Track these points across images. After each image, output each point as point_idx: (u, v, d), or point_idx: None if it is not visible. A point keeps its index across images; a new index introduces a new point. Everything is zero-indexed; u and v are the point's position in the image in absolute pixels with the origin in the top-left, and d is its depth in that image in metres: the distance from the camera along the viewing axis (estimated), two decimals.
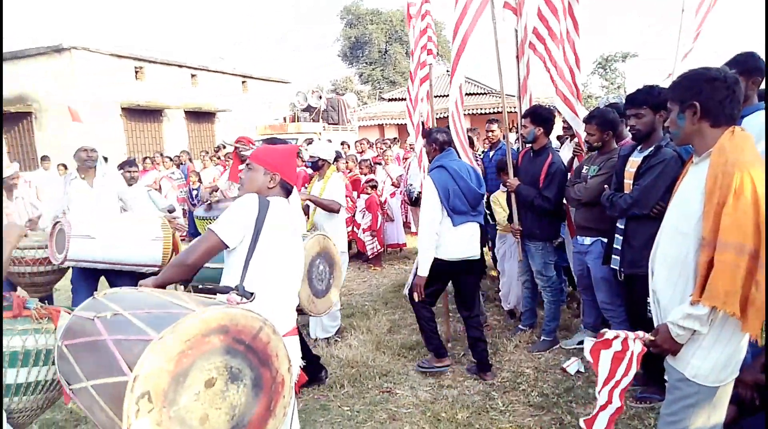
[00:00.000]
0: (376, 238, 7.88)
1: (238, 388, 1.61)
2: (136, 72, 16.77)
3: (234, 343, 1.60)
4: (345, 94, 20.31)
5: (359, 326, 5.16)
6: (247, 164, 2.32)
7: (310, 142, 12.40)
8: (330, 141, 12.59)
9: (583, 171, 3.94)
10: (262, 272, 2.15)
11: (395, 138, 16.34)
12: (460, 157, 4.24)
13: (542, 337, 4.39)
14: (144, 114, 16.85)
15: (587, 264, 3.84)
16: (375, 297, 6.27)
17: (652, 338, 1.99)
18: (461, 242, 3.79)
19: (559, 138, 5.67)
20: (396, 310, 5.68)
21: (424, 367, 4.08)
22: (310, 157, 5.18)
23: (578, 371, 3.87)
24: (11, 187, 4.94)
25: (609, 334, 2.07)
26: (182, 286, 3.04)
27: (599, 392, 2.12)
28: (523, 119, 4.27)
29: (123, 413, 1.43)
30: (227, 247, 2.13)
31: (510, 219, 4.52)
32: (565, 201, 4.20)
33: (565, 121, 4.79)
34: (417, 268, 3.85)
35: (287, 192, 2.35)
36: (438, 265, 3.75)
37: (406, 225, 8.97)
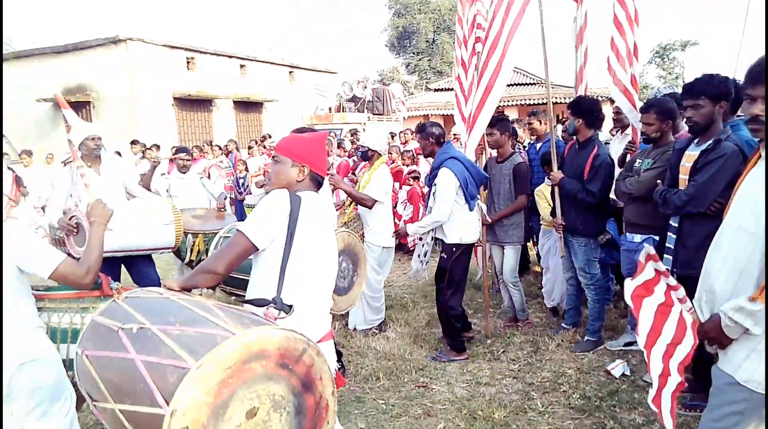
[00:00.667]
0: None
1: (281, 416, 1.49)
2: (188, 62, 17.20)
3: (276, 369, 1.47)
4: (391, 85, 20.24)
5: (397, 319, 5.12)
6: (274, 157, 2.16)
7: (354, 132, 12.41)
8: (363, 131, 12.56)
9: (636, 164, 3.75)
10: (299, 277, 1.99)
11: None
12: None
13: (586, 337, 4.23)
14: (194, 104, 17.29)
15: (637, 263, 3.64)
16: (414, 289, 6.21)
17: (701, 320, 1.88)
18: (475, 224, 4.19)
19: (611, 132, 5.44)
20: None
21: (439, 357, 4.16)
22: (360, 146, 5.14)
23: (623, 374, 3.70)
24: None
25: (650, 265, 2.01)
26: (211, 290, 2.98)
27: (644, 347, 2.04)
28: (568, 112, 4.11)
29: None
30: (257, 249, 1.96)
31: (553, 213, 4.38)
32: (613, 195, 4.02)
33: (616, 113, 4.57)
34: (427, 253, 4.36)
35: (318, 184, 2.18)
36: (463, 250, 4.10)
37: None
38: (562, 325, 4.55)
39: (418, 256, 4.53)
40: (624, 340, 4.14)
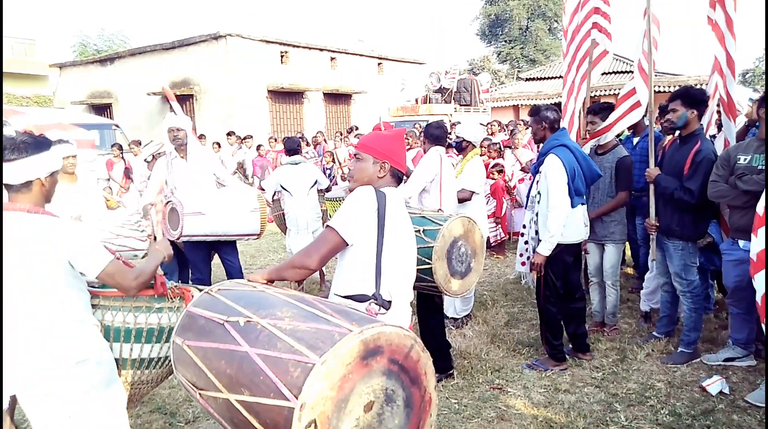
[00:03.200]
0: (500, 226, 7.63)
1: (392, 410, 1.56)
2: (282, 56, 17.85)
3: (389, 364, 1.54)
4: (480, 74, 19.81)
5: (476, 316, 5.03)
6: (355, 155, 2.23)
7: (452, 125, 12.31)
8: (459, 123, 12.38)
9: (741, 161, 3.40)
10: (393, 272, 2.05)
11: (524, 121, 15.59)
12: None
13: (680, 349, 3.91)
14: (287, 96, 17.94)
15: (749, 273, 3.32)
16: (495, 287, 6.07)
17: None
18: (580, 224, 3.78)
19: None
20: (516, 302, 5.45)
21: (536, 366, 3.89)
22: (456, 136, 5.09)
23: (721, 392, 3.39)
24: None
25: None
26: (295, 283, 3.08)
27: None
28: (671, 102, 3.76)
29: None
30: (347, 245, 2.01)
31: (646, 213, 4.08)
32: (711, 198, 3.64)
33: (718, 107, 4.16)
34: (534, 250, 3.81)
35: (398, 180, 2.23)
36: (562, 251, 3.73)
37: None
38: (654, 333, 4.24)
39: (521, 255, 4.27)
40: (724, 354, 3.78)
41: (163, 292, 2.30)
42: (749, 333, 3.67)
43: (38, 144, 2.11)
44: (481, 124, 12.20)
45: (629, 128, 5.50)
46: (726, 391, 3.40)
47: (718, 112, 4.44)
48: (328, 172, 10.57)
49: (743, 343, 3.71)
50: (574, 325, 4.00)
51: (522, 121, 13.17)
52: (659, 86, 18.95)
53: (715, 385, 3.41)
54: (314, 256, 2.00)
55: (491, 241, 7.56)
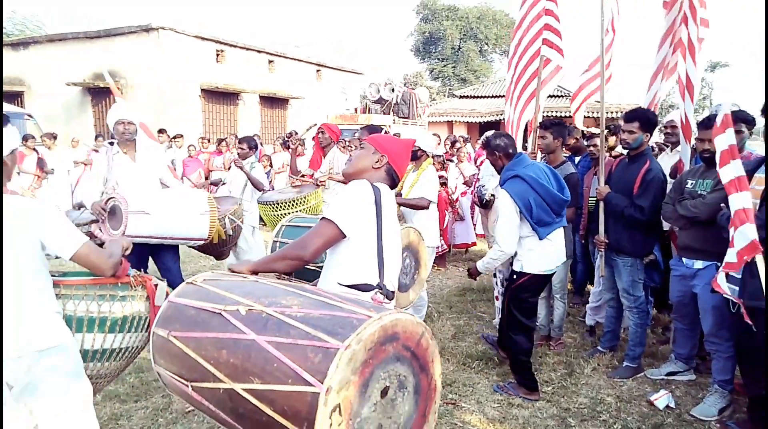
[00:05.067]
0: (441, 238, 7.61)
1: (404, 395, 1.60)
2: (217, 55, 17.18)
3: (402, 351, 1.57)
4: (416, 89, 20.06)
5: None
6: (360, 144, 2.30)
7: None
8: (398, 134, 12.40)
9: (689, 186, 3.53)
10: (391, 264, 2.10)
11: (467, 137, 15.94)
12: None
13: (625, 363, 3.99)
14: (222, 96, 17.25)
15: (692, 290, 3.43)
16: (438, 299, 6.02)
17: None
18: (551, 253, 3.53)
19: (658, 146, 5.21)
20: (461, 315, 5.42)
21: (506, 389, 3.69)
22: None
23: (668, 406, 3.47)
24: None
25: None
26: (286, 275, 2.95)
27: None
28: (627, 123, 3.85)
29: (316, 428, 1.36)
30: (345, 236, 1.99)
31: (595, 230, 4.16)
32: (663, 218, 3.77)
33: (671, 128, 4.34)
34: (483, 263, 3.62)
35: (392, 182, 2.23)
36: (532, 280, 3.52)
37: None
38: (598, 348, 4.32)
39: (498, 295, 3.98)
40: (666, 369, 3.90)
41: (126, 280, 2.25)
42: (692, 348, 3.81)
43: None
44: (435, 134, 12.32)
45: (568, 149, 5.67)
46: (672, 405, 3.48)
47: (668, 133, 4.64)
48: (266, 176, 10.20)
49: (685, 358, 3.84)
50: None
51: (461, 136, 13.43)
52: (609, 112, 20.09)
53: (662, 399, 3.49)
54: (309, 248, 1.96)
55: (437, 251, 7.54)
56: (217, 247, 4.48)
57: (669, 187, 3.84)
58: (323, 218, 2.00)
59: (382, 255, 2.02)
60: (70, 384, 2.04)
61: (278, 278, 2.37)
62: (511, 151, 3.57)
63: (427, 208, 4.50)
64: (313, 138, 6.55)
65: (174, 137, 12.25)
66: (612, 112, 17.78)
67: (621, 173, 4.05)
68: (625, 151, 4.14)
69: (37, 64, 17.05)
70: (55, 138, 10.98)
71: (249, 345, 1.55)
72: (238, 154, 5.89)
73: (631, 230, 3.86)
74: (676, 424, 3.30)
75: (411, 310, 4.61)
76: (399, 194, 4.90)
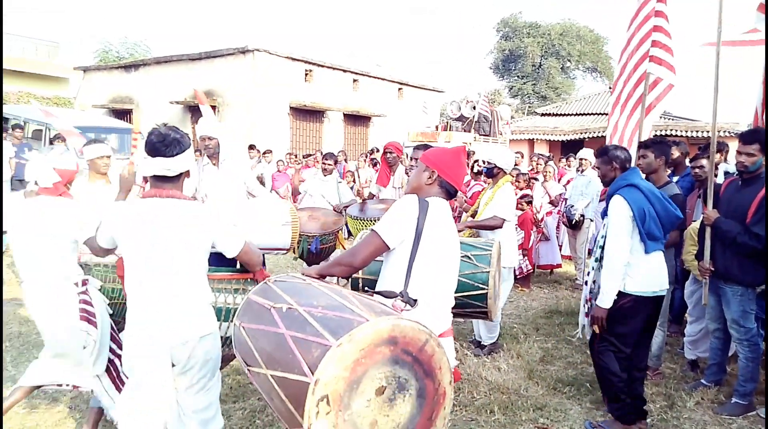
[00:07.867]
0: (526, 258, 7.46)
1: (405, 397, 1.70)
2: (306, 74, 17.96)
3: (402, 354, 1.68)
4: (499, 106, 19.87)
5: (508, 349, 4.86)
6: (415, 162, 2.47)
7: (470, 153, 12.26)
8: (474, 152, 12.33)
9: None
10: (425, 275, 2.20)
11: (549, 155, 15.56)
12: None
13: (734, 399, 3.72)
14: (308, 114, 17.99)
15: None
16: (524, 320, 5.90)
17: None
18: (655, 272, 3.33)
19: None
20: (548, 338, 5.27)
21: (601, 427, 3.46)
22: (486, 162, 4.99)
23: None
24: None
25: None
26: (345, 280, 3.13)
27: None
28: (746, 145, 3.62)
29: (305, 413, 1.55)
30: (389, 248, 2.21)
31: (700, 256, 3.92)
32: None
33: None
34: (595, 302, 3.37)
35: (448, 193, 2.38)
36: (630, 302, 3.27)
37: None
38: (702, 381, 4.06)
39: (584, 305, 3.64)
40: None
41: (263, 276, 2.56)
42: None
43: (187, 141, 2.38)
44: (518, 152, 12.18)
45: (669, 167, 5.40)
46: None
47: None
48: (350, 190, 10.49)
49: None
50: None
51: (542, 155, 13.14)
52: (676, 130, 18.99)
53: None
54: (358, 256, 2.21)
55: (517, 272, 7.40)
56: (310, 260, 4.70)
57: None
58: (372, 230, 2.22)
59: (412, 265, 2.17)
60: (216, 367, 2.39)
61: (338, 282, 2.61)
62: (627, 165, 3.49)
63: (500, 227, 4.46)
64: (381, 157, 6.76)
65: (264, 153, 12.89)
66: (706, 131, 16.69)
67: (732, 197, 3.82)
68: (736, 174, 3.90)
69: (145, 84, 18.60)
70: None
71: (280, 337, 1.78)
72: (323, 169, 6.13)
73: (742, 257, 3.62)
74: None
75: (483, 329, 4.68)
76: (475, 213, 4.88)
